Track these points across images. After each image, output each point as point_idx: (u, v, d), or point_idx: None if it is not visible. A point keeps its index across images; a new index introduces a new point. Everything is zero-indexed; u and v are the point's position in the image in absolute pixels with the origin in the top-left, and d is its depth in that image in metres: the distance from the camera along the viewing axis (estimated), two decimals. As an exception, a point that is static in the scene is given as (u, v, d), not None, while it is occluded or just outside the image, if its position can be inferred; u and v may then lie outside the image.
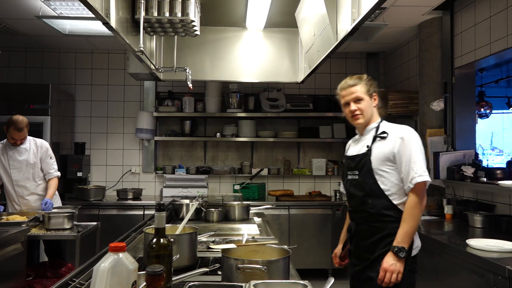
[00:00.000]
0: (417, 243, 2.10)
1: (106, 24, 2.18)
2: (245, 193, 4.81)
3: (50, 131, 4.54)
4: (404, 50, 4.97)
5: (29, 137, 3.65)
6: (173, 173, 5.22)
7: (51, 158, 3.71)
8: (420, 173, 1.98)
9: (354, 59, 5.59)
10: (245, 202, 3.61)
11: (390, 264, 1.95)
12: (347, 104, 2.18)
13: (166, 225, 1.81)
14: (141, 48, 2.59)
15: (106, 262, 1.14)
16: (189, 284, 1.42)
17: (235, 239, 2.27)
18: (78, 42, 5.05)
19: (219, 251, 1.86)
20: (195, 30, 2.90)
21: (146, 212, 4.54)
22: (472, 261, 2.34)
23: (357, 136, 2.30)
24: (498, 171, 3.40)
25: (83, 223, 3.41)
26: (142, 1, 2.58)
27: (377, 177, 2.07)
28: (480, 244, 2.45)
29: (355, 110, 2.15)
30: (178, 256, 1.68)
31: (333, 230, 4.66)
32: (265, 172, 5.29)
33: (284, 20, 3.79)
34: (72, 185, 4.87)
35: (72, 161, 4.83)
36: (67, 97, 5.18)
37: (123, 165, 5.38)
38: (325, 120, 5.36)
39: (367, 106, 2.16)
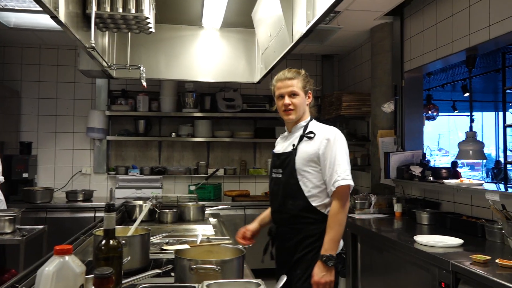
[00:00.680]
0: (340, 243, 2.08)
1: (55, 18, 2.09)
2: (200, 194, 4.78)
3: (-7, 130, 4.30)
4: (357, 53, 5.12)
5: None
6: (126, 173, 5.11)
7: None
8: (344, 177, 1.97)
9: (310, 61, 5.69)
10: (200, 203, 3.59)
11: (321, 276, 1.91)
12: (282, 97, 2.13)
13: (118, 227, 1.76)
14: (93, 44, 2.51)
15: (51, 266, 1.09)
16: (140, 287, 1.39)
17: (190, 240, 2.25)
18: (24, 37, 4.82)
19: (172, 252, 1.83)
20: (150, 28, 2.85)
21: (97, 214, 4.41)
22: (419, 256, 2.44)
23: (286, 133, 2.27)
24: (444, 171, 3.58)
25: (28, 227, 3.24)
26: (94, -4, 2.50)
27: (299, 177, 2.04)
28: (426, 240, 2.56)
29: (289, 105, 2.11)
30: (129, 258, 1.64)
31: (288, 229, 4.71)
32: (221, 172, 5.28)
33: (241, 20, 3.80)
34: (17, 187, 4.63)
35: (17, 161, 4.60)
36: (12, 94, 4.93)
37: (73, 166, 5.20)
38: (281, 121, 5.39)
39: (301, 103, 2.12)
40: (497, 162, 9.12)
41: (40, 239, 3.25)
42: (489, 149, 10.18)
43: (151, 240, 2.08)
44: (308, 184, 2.03)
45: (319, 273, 1.91)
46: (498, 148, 9.88)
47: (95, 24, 2.60)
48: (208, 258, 1.59)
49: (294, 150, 2.09)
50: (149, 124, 5.23)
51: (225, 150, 5.53)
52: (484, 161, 9.90)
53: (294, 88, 2.10)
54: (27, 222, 3.78)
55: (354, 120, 4.98)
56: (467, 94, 6.88)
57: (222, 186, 5.38)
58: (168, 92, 5.11)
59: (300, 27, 2.48)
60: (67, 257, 1.12)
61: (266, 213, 2.31)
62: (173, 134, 5.16)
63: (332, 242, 1.94)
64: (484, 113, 10.35)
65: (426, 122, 6.97)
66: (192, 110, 5.12)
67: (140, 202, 3.37)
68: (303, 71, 2.17)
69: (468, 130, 3.54)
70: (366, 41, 4.81)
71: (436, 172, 3.56)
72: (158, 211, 3.20)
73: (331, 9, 2.04)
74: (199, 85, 5.22)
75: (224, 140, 5.28)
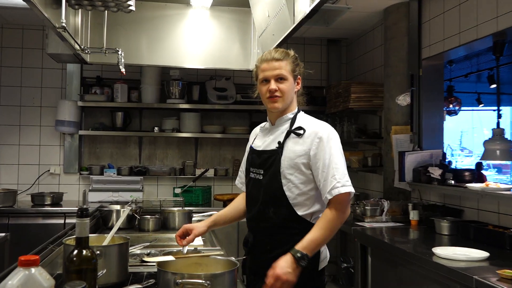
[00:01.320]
0: (325, 254, 2.06)
1: (19, -8, 2.08)
2: (187, 198, 4.78)
3: None
4: (368, 37, 5.13)
5: None
6: (102, 174, 5.10)
7: None
8: (343, 183, 1.91)
9: (314, 46, 5.69)
10: (187, 208, 3.60)
11: (285, 271, 1.80)
12: (266, 81, 2.04)
13: (92, 235, 1.76)
14: (63, 24, 2.50)
15: (15, 279, 1.09)
16: (118, 304, 1.39)
17: (175, 250, 2.25)
18: (-16, 14, 4.79)
19: (154, 265, 1.83)
20: (130, 5, 2.84)
21: (67, 221, 4.39)
22: (439, 271, 2.44)
23: (267, 125, 2.21)
24: (467, 173, 3.59)
25: (-13, 235, 3.24)
26: (65, -32, 2.49)
27: (284, 181, 1.98)
28: (446, 252, 2.57)
29: (275, 91, 2.01)
30: (104, 271, 1.65)
31: (288, 239, 4.73)
32: (211, 173, 5.28)
33: (234, -3, 3.80)
34: (-26, 188, 4.62)
35: (-25, 159, 4.57)
36: (-30, 81, 4.90)
37: (40, 165, 5.19)
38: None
39: (289, 89, 2.04)
40: (528, 163, 9.17)
41: (1, 248, 3.24)
42: (519, 148, 10.21)
43: (130, 251, 2.08)
44: (294, 190, 1.98)
45: (284, 267, 1.81)
46: (529, 147, 9.92)
47: (66, 0, 2.59)
48: (196, 271, 1.59)
49: (280, 148, 2.03)
50: (128, 117, 5.21)
51: (216, 147, 5.53)
52: (513, 162, 9.96)
53: (282, 71, 2.02)
54: (-14, 229, 3.77)
55: (365, 114, 4.99)
56: (494, 86, 6.90)
57: (212, 189, 5.38)
58: (150, 81, 5.09)
59: (303, 7, 2.48)
60: (33, 269, 1.12)
61: (221, 215, 2.23)
62: (156, 128, 5.15)
63: (313, 243, 1.88)
64: (513, 107, 10.40)
65: (447, 117, 6.99)
66: (178, 101, 5.11)
67: (118, 207, 3.37)
68: (292, 52, 2.10)
69: (495, 127, 3.56)
70: (378, 23, 4.82)
71: (458, 174, 3.58)
72: (138, 217, 3.20)
73: (339, -14, 2.04)
74: (186, 73, 5.20)
75: (215, 136, 5.28)
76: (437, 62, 4.00)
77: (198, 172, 5.18)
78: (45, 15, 2.39)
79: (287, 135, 2.04)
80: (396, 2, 4.20)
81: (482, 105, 8.48)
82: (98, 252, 1.68)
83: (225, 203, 4.98)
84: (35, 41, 5.20)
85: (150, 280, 1.72)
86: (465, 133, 12.30)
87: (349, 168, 4.72)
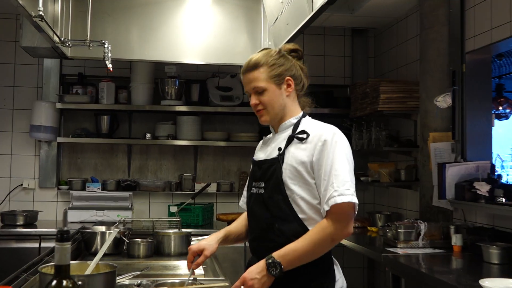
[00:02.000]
0: (342, 283, 2.09)
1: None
2: (184, 218, 4.78)
3: None
4: (401, 27, 5.12)
5: None
6: (84, 189, 5.12)
7: None
8: (342, 191, 1.93)
9: (336, 37, 5.70)
10: (184, 230, 3.59)
11: (252, 276, 1.89)
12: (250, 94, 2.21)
13: (73, 261, 1.76)
14: (40, 12, 2.52)
15: (-18, 315, 1.10)
16: None
17: (170, 281, 2.25)
18: None
19: (146, 298, 1.83)
20: (118, -10, 2.87)
21: (43, 245, 4.41)
22: (486, 307, 2.42)
23: (270, 135, 2.32)
24: (520, 189, 3.56)
25: (-50, 261, 3.27)
26: None
27: (288, 193, 2.03)
28: (496, 285, 2.54)
29: (257, 105, 2.18)
30: (88, 305, 1.65)
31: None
32: (213, 188, 5.28)
33: (241, -20, 3.83)
34: None
35: None
36: None
37: (11, 178, 5.22)
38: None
39: (272, 99, 2.15)
40: None
41: (-35, 277, 3.26)
42: None
43: (117, 281, 2.08)
44: (301, 202, 2.03)
45: (253, 271, 1.91)
46: None
47: (44, -16, 2.62)
48: (196, 306, 1.59)
49: (281, 155, 2.09)
50: (115, 122, 5.24)
51: (219, 157, 5.53)
52: None
53: (257, 83, 2.14)
54: None
55: (397, 118, 4.97)
56: (552, 84, 6.86)
57: (215, 207, 5.38)
58: (142, 78, 5.12)
59: (324, -9, 2.49)
60: (3, 304, 1.12)
61: (233, 229, 2.35)
62: (148, 135, 5.17)
63: (292, 254, 1.93)
64: None
65: (496, 122, 6.95)
66: (174, 102, 5.13)
67: (103, 229, 3.38)
68: (272, 51, 2.19)
69: (554, 134, 3.53)
70: (413, 10, 4.81)
71: (510, 191, 3.55)
72: (127, 241, 3.20)
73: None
74: (184, 69, 5.23)
75: (218, 144, 5.29)
76: (483, 56, 3.98)
77: (198, 187, 5.18)
78: (19, 2, 2.42)
79: (289, 141, 2.11)
80: (434, -16, 4.20)
81: (539, 107, 8.42)
82: (80, 282, 1.68)
83: (230, 224, 4.96)
84: (7, 32, 5.25)
85: (141, 317, 1.72)
86: (518, 141, 12.20)
87: (378, 182, 4.75)
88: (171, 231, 3.50)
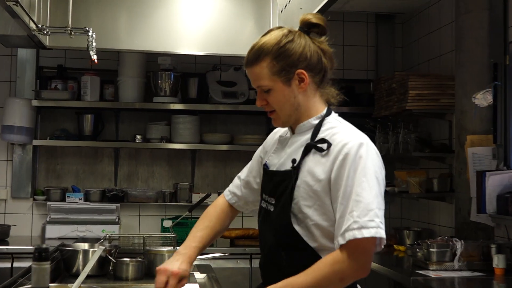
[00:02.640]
0: None
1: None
2: (180, 234, 4.77)
3: None
4: (432, 12, 5.13)
5: None
6: (63, 200, 5.13)
7: None
8: (363, 223, 1.79)
9: (357, 23, 5.70)
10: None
11: None
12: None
13: (52, 284, 1.79)
14: (14, -5, 2.55)
15: None
16: None
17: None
18: None
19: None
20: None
21: (16, 264, 4.42)
22: None
23: (287, 132, 2.18)
24: None
25: None
26: None
27: (300, 216, 1.93)
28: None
29: (264, 106, 2.07)
30: (69, 334, 1.67)
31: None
32: (213, 199, 5.25)
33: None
34: None
35: None
36: None
37: (-21, 186, 5.25)
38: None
39: (281, 100, 2.01)
40: None
41: None
42: None
43: (102, 307, 2.09)
44: (315, 230, 1.93)
45: None
46: None
47: (19, -38, 2.64)
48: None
49: (294, 169, 1.97)
50: (100, 122, 5.26)
51: (220, 163, 5.55)
52: None
53: (260, 81, 2.01)
54: None
55: (428, 118, 4.97)
56: None
57: (215, 222, 5.39)
58: (132, 72, 5.13)
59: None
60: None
61: (205, 238, 2.26)
62: (138, 137, 5.18)
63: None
64: None
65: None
66: (169, 99, 5.14)
67: (85, 246, 3.37)
68: (280, 33, 2.00)
69: None
70: (448, -8, 4.82)
71: (561, 204, 3.55)
72: (114, 260, 3.20)
73: None
74: (180, 61, 5.25)
75: (219, 148, 5.30)
76: (530, 46, 3.99)
77: (196, 198, 5.18)
78: (-10, -17, 2.45)
79: (307, 150, 1.98)
80: (472, -38, 4.21)
81: None
82: (60, 307, 1.70)
83: (233, 241, 4.97)
84: (-25, 17, 5.30)
85: None
86: None
87: (406, 193, 4.75)
88: (164, 249, 3.49)
